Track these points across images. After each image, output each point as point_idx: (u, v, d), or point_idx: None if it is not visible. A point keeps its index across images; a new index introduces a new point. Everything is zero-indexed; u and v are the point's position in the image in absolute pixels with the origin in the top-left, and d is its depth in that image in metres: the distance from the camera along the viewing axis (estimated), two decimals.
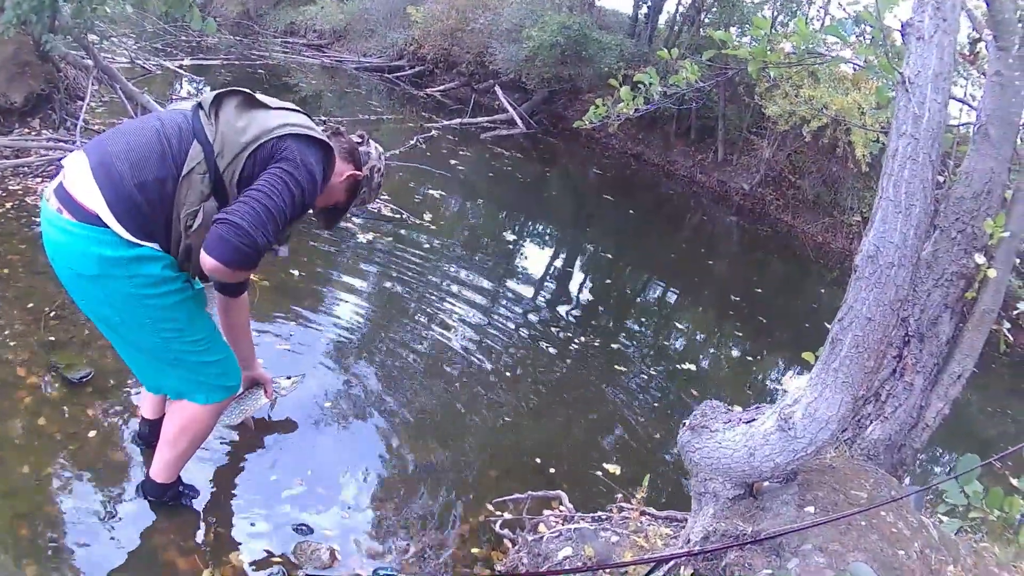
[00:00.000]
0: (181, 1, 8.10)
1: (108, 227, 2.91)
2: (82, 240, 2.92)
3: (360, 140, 3.61)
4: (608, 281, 9.72)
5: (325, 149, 3.24)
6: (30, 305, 5.02)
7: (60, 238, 2.97)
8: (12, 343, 4.60)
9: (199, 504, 3.79)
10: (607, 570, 3.28)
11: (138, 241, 2.96)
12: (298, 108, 3.34)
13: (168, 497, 3.67)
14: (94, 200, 2.90)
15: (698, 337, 8.67)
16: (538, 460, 5.00)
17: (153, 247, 3.01)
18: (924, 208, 2.62)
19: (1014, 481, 6.11)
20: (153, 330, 3.17)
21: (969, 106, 3.86)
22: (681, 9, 20.05)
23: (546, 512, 4.20)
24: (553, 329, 7.45)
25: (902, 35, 2.77)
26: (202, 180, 2.97)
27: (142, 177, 2.91)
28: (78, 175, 2.94)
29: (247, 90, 3.16)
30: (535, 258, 9.58)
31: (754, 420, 2.93)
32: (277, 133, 3.04)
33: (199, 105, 3.09)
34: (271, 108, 3.17)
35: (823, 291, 12.65)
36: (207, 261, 2.85)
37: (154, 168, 2.93)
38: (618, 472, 5.06)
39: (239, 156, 2.99)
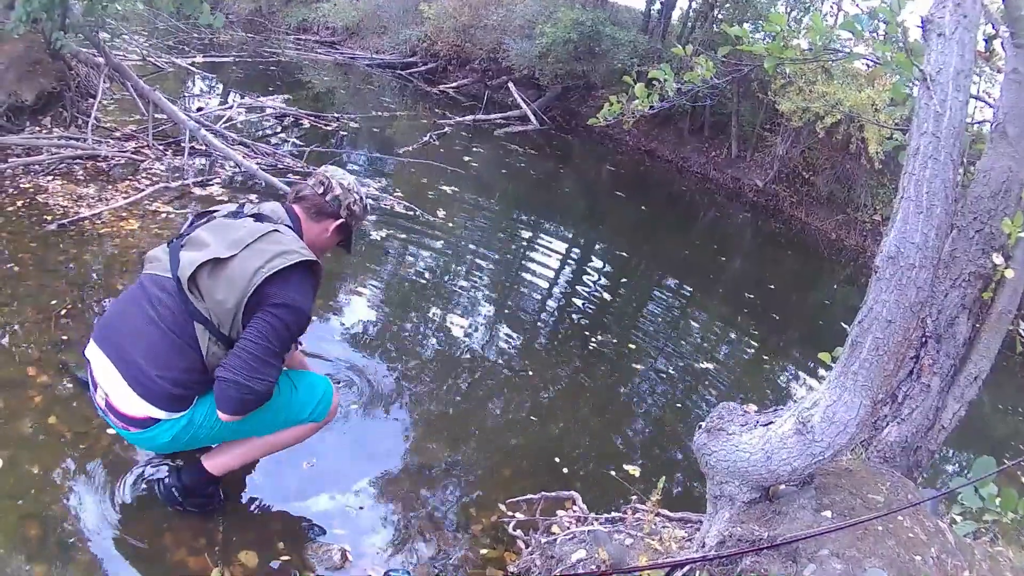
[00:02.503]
0: None
1: (164, 420, 3.26)
2: (154, 440, 3.32)
3: (322, 187, 3.58)
4: (623, 279, 9.69)
5: (304, 264, 3.31)
6: (41, 303, 5.02)
7: (141, 443, 3.46)
8: (23, 342, 4.61)
9: None
10: (621, 574, 3.25)
11: (190, 408, 3.30)
12: (265, 215, 3.47)
13: (206, 492, 3.67)
14: (145, 409, 3.22)
15: (713, 334, 8.63)
16: (553, 460, 4.98)
17: (198, 397, 3.31)
18: (945, 208, 2.58)
19: None
20: (249, 428, 3.47)
21: (986, 103, 3.81)
22: (694, 5, 20.00)
23: (559, 513, 4.17)
24: (568, 327, 7.43)
25: (922, 31, 2.73)
26: (219, 348, 3.20)
27: (173, 375, 3.18)
28: (120, 392, 3.23)
29: (212, 255, 3.17)
30: (549, 255, 9.55)
31: (771, 423, 2.89)
32: (255, 285, 3.14)
33: (178, 280, 3.18)
34: (237, 254, 3.19)
35: (836, 287, 12.60)
36: (223, 416, 3.18)
37: (178, 363, 3.19)
38: (635, 473, 5.03)
39: (235, 321, 3.18)
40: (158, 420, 3.24)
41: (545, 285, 8.42)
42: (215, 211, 3.47)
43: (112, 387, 3.24)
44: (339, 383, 5.03)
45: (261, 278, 3.12)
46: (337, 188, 3.58)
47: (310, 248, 3.38)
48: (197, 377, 3.22)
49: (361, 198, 3.66)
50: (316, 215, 3.57)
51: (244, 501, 3.91)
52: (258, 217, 3.43)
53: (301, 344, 4.00)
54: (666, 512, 4.04)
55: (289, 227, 3.44)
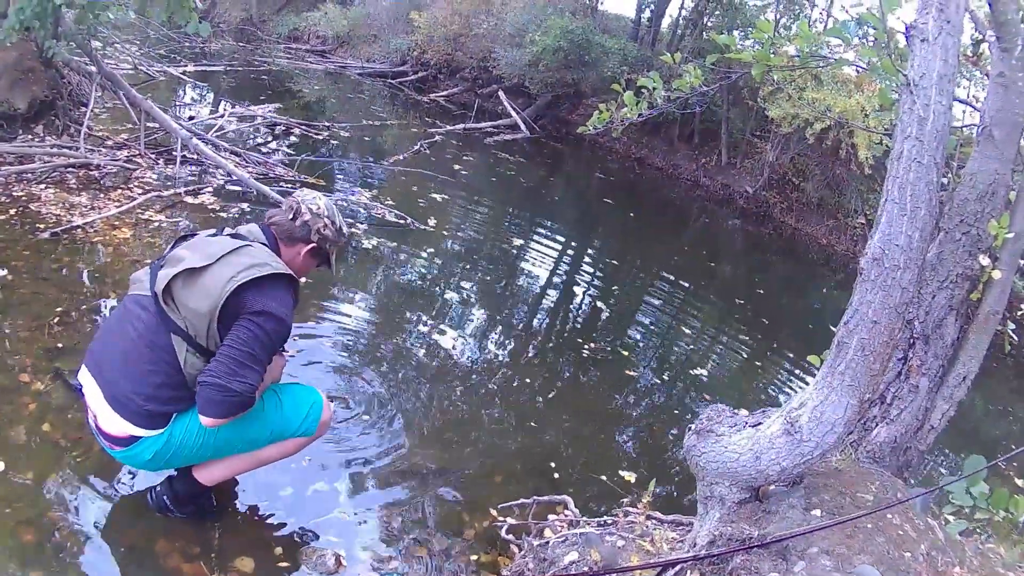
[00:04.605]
0: (183, 7, 8.09)
1: (144, 438, 3.28)
2: (137, 457, 3.37)
3: (292, 212, 3.59)
4: (615, 286, 9.71)
5: (278, 276, 3.35)
6: (34, 311, 5.03)
7: (127, 461, 3.49)
8: (16, 349, 4.61)
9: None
10: (614, 575, 3.27)
11: (168, 426, 3.31)
12: (242, 234, 3.52)
13: (199, 502, 3.69)
14: (124, 428, 3.26)
15: (704, 340, 8.65)
16: (545, 465, 5.00)
17: (176, 414, 3.32)
18: (929, 210, 2.61)
19: (1019, 482, 6.13)
20: (232, 445, 3.51)
21: (973, 107, 3.84)
22: (684, 13, 20.08)
23: (551, 517, 4.19)
24: (560, 334, 7.45)
25: (906, 37, 2.76)
26: (197, 358, 3.23)
27: (146, 391, 3.23)
28: (103, 412, 3.29)
29: (187, 265, 3.22)
30: (541, 263, 9.57)
31: (760, 424, 2.92)
32: (227, 292, 3.17)
33: (155, 295, 3.22)
34: (211, 265, 3.23)
35: (825, 291, 12.65)
36: (205, 420, 3.19)
37: (152, 379, 3.24)
38: (628, 478, 5.05)
39: (210, 329, 3.20)
40: (139, 438, 3.27)
41: (537, 292, 8.45)
42: (195, 234, 3.51)
43: (98, 407, 3.30)
44: (332, 398, 5.01)
45: (234, 286, 3.16)
46: (306, 213, 3.58)
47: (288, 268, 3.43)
48: (171, 393, 3.25)
49: (333, 222, 3.65)
50: (288, 240, 3.59)
51: (239, 506, 3.92)
52: (235, 236, 3.47)
53: (287, 351, 4.01)
54: (658, 514, 4.06)
55: (265, 245, 3.48)
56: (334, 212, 3.68)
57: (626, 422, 5.98)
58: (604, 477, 5.01)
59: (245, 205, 8.11)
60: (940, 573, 2.59)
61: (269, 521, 3.88)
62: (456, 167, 13.24)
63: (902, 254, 2.58)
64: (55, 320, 4.96)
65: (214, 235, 3.47)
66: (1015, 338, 3.64)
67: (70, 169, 7.67)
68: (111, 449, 3.37)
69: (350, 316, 6.37)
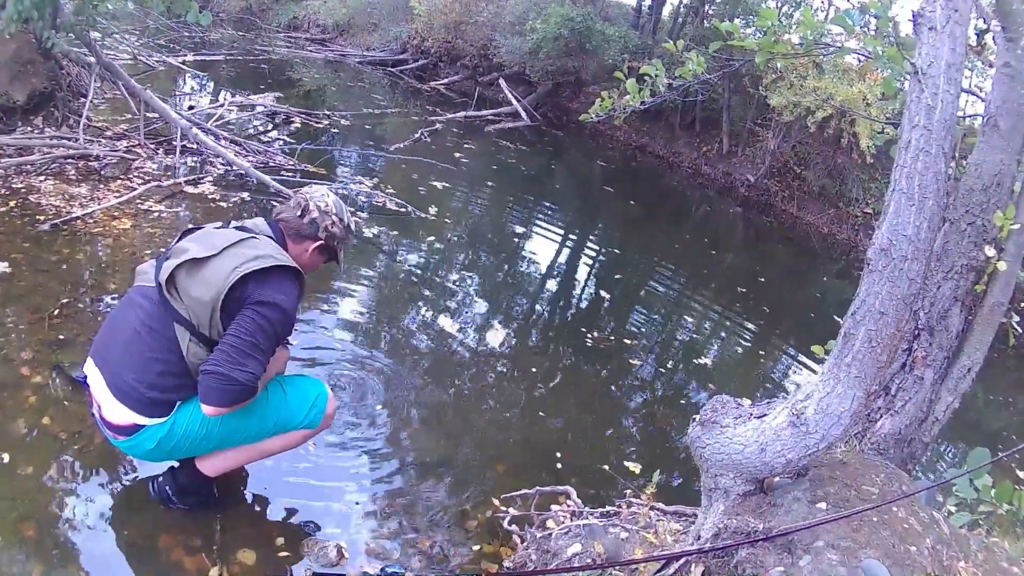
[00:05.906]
0: None
1: (147, 426, 3.28)
2: (140, 447, 3.36)
3: (300, 209, 3.57)
4: (617, 275, 9.69)
5: (283, 268, 3.35)
6: (34, 304, 5.01)
7: (130, 451, 3.47)
8: (16, 342, 4.59)
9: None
10: (617, 567, 3.26)
11: (171, 414, 3.30)
12: (248, 227, 3.51)
13: (201, 493, 3.68)
14: (128, 416, 3.27)
15: (706, 329, 8.64)
16: (548, 455, 4.99)
17: (180, 403, 3.32)
18: (937, 201, 2.59)
19: (1022, 474, 6.12)
20: (235, 436, 3.51)
21: (977, 97, 3.82)
22: (685, 0, 20.00)
23: (554, 508, 4.18)
24: (561, 323, 7.43)
25: (913, 25, 2.74)
26: (200, 348, 3.24)
27: (149, 379, 3.23)
28: (107, 401, 3.29)
29: (190, 255, 3.23)
30: (542, 252, 9.55)
31: (765, 415, 2.90)
32: (230, 282, 3.18)
33: (159, 285, 3.23)
34: (215, 256, 3.24)
35: (826, 280, 12.63)
36: (206, 409, 3.18)
37: (155, 366, 3.24)
38: (632, 468, 5.05)
39: (212, 319, 3.21)
40: (142, 426, 3.26)
41: (538, 281, 8.44)
42: (201, 226, 3.51)
43: (102, 397, 3.30)
44: (335, 387, 5.00)
45: (237, 276, 3.16)
46: (314, 211, 3.56)
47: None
48: (174, 381, 3.25)
49: (341, 219, 3.63)
50: (295, 236, 3.58)
51: (241, 498, 3.92)
52: (240, 229, 3.47)
53: (291, 343, 4.00)
54: (661, 505, 4.06)
55: (271, 238, 3.47)
56: (342, 209, 3.67)
57: (629, 411, 5.97)
58: (607, 467, 5.01)
59: (245, 194, 8.09)
60: (945, 567, 2.58)
61: (271, 513, 3.87)
62: (457, 155, 13.21)
63: (910, 244, 2.56)
64: (55, 312, 4.95)
65: (220, 228, 3.46)
66: (1019, 330, 3.62)
67: (69, 160, 7.65)
68: (115, 439, 3.36)
69: (351, 305, 6.36)
